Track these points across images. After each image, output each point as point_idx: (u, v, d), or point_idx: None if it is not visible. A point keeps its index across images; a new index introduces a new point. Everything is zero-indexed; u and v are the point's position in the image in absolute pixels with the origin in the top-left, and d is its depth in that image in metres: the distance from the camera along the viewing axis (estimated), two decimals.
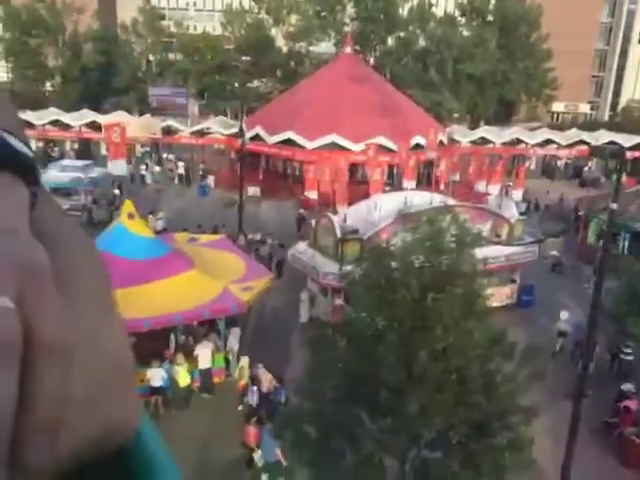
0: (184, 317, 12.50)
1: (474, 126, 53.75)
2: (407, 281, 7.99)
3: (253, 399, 13.00)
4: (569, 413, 13.36)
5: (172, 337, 13.54)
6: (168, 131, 43.60)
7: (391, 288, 7.91)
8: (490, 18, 57.30)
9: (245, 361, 13.74)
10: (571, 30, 65.64)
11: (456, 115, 48.39)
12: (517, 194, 23.58)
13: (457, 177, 22.53)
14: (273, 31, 48.88)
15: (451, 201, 20.78)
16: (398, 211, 16.28)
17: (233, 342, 14.45)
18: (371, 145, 25.78)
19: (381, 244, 10.10)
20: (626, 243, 24.46)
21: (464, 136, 43.21)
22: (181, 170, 39.29)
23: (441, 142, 40.92)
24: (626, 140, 44.95)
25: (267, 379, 13.19)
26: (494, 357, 9.17)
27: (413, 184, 19.23)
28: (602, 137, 45.14)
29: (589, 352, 10.51)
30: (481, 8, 57.39)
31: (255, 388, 13.07)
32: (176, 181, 38.65)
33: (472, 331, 8.03)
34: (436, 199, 20.27)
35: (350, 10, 49.36)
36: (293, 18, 48.10)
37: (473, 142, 43.13)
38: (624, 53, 75.97)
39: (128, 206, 13.48)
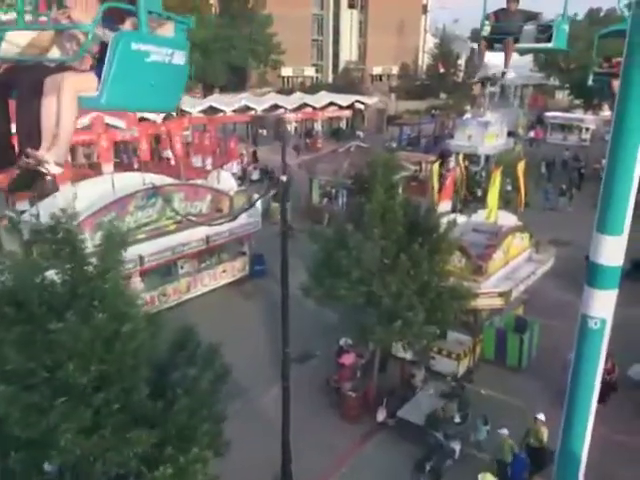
0: None
1: (209, 95, 52.78)
2: (29, 306, 6.45)
3: None
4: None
5: None
6: None
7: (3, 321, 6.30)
8: None
9: None
10: None
11: None
12: (234, 165, 23.30)
13: (170, 154, 21.07)
14: None
15: (167, 180, 19.46)
16: None
17: None
18: None
19: None
20: (344, 199, 26.15)
21: (193, 106, 41.83)
22: None
23: (169, 115, 39.10)
24: (343, 100, 48.73)
25: None
26: (178, 365, 8.27)
27: (111, 167, 17.29)
28: (323, 98, 48.13)
29: (285, 312, 10.27)
30: None
31: None
32: None
33: (136, 349, 6.89)
34: (149, 180, 18.69)
35: None
36: None
37: (204, 112, 42.12)
38: (337, 17, 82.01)
39: None
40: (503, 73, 8.98)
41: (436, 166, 20.17)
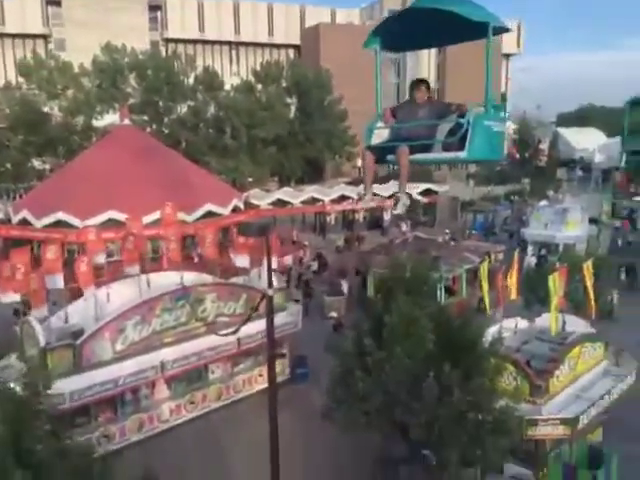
0: None
1: (283, 187, 54.01)
2: None
3: None
4: None
5: None
6: None
7: None
8: (284, 84, 59.05)
9: None
10: (363, 92, 70.40)
11: (250, 179, 47.87)
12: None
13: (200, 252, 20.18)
14: (47, 106, 44.94)
15: (206, 279, 18.70)
16: None
17: None
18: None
19: None
20: None
21: (262, 199, 42.54)
22: None
23: (236, 207, 39.83)
24: (413, 188, 47.82)
25: None
26: None
27: (136, 269, 16.81)
28: (392, 187, 47.50)
29: (274, 451, 8.57)
30: (275, 75, 59.12)
31: None
32: None
33: None
34: (188, 279, 18.00)
35: (132, 81, 47.38)
36: (69, 92, 44.72)
37: (273, 204, 42.69)
38: None
39: None
40: (396, 201, 5.18)
41: (485, 262, 17.92)
